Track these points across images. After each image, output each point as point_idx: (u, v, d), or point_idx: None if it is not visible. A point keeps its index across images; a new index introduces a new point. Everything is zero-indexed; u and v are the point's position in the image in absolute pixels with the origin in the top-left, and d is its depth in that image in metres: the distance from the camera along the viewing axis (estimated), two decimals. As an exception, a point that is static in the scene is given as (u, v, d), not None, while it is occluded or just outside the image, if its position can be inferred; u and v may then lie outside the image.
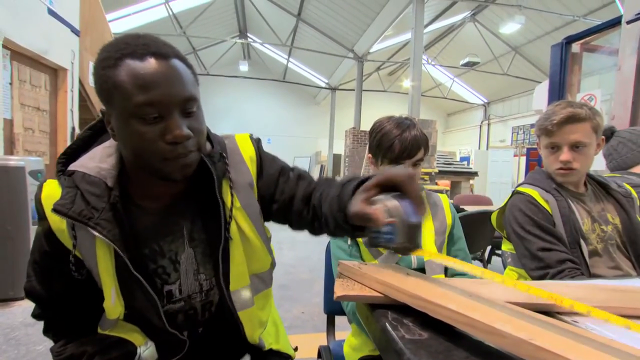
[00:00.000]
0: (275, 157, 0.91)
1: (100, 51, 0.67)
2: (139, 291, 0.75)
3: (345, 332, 1.30)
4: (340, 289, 0.49)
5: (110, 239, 0.69)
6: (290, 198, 0.84)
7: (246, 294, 0.85)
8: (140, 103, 0.62)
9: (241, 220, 0.82)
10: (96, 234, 0.68)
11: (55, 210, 0.67)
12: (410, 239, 0.51)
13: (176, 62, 0.67)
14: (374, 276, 0.48)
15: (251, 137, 0.89)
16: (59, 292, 0.77)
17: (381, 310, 0.44)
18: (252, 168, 0.85)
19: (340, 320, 1.41)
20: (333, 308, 1.37)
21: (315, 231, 0.82)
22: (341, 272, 0.55)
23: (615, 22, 3.11)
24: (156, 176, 0.70)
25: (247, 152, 0.86)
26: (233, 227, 0.80)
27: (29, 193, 2.84)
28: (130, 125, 0.64)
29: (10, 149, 3.47)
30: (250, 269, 0.86)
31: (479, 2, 10.16)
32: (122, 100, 0.63)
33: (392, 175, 0.57)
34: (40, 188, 0.74)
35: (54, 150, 4.19)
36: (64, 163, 0.77)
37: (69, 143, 4.34)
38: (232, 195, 0.80)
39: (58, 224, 0.71)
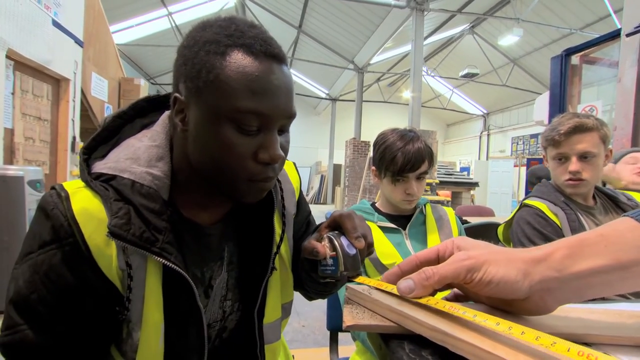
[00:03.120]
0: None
1: (201, 26, 0.56)
2: (193, 328, 0.60)
3: (348, 346, 1.28)
4: (349, 317, 0.45)
5: (180, 266, 0.55)
6: (299, 246, 0.79)
7: (277, 327, 0.75)
8: (246, 109, 0.52)
9: (284, 252, 0.74)
10: (163, 261, 0.54)
11: (113, 234, 0.52)
12: (349, 267, 0.60)
13: (287, 70, 0.58)
14: (387, 303, 0.45)
15: (295, 165, 0.83)
16: (72, 343, 0.56)
17: (397, 341, 0.41)
18: (296, 200, 0.79)
19: (343, 334, 1.39)
20: (336, 324, 1.34)
21: (295, 286, 0.81)
22: (349, 297, 0.52)
23: (615, 35, 3.15)
24: (225, 193, 0.60)
25: (295, 183, 0.80)
26: (276, 258, 0.71)
27: (27, 203, 2.82)
28: (221, 129, 0.53)
29: (10, 158, 3.46)
30: (282, 299, 0.76)
31: (477, 15, 10.27)
32: (222, 99, 0.52)
33: (335, 216, 0.65)
34: (65, 198, 0.54)
35: (54, 160, 4.18)
36: (87, 161, 0.60)
37: (69, 153, 4.33)
38: (284, 224, 0.72)
39: (102, 247, 0.54)
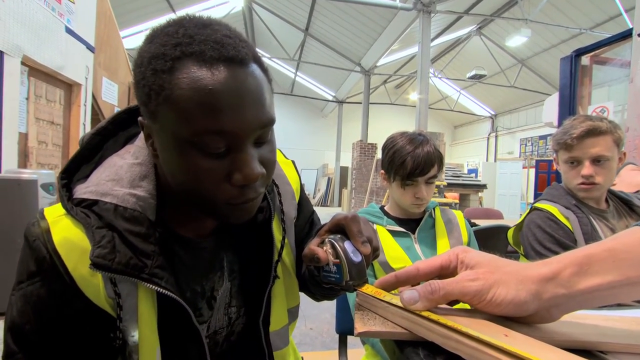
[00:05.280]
0: (305, 193, 0.82)
1: (149, 38, 0.49)
2: (192, 347, 0.57)
3: (357, 350, 1.26)
4: (361, 324, 0.45)
5: (172, 291, 0.52)
6: (303, 247, 0.75)
7: (284, 333, 0.72)
8: (205, 131, 0.45)
9: (286, 257, 0.70)
10: (154, 287, 0.51)
11: (96, 265, 0.48)
12: (355, 276, 0.55)
13: (254, 70, 0.48)
14: (398, 310, 0.44)
15: (294, 164, 0.79)
16: None
17: (411, 347, 0.42)
18: (296, 202, 0.75)
19: (351, 337, 1.38)
20: (345, 328, 1.32)
21: (300, 287, 0.79)
22: (360, 303, 0.51)
23: (626, 35, 3.08)
24: (208, 216, 0.57)
25: (294, 184, 0.75)
26: (278, 265, 0.68)
27: (40, 206, 2.86)
28: (184, 154, 0.47)
29: (24, 162, 3.51)
30: (287, 304, 0.73)
31: (484, 16, 10.20)
32: (178, 122, 0.45)
33: (339, 219, 0.60)
34: (46, 230, 0.51)
35: (66, 163, 4.24)
36: (68, 185, 0.56)
37: (80, 157, 4.49)
38: (284, 231, 0.68)
39: (88, 277, 0.51)
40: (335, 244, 0.57)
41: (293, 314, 0.76)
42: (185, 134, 0.46)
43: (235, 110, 0.46)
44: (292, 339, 0.86)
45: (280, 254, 0.67)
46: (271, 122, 0.50)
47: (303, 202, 0.79)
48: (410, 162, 1.14)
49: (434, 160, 1.15)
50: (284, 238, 0.68)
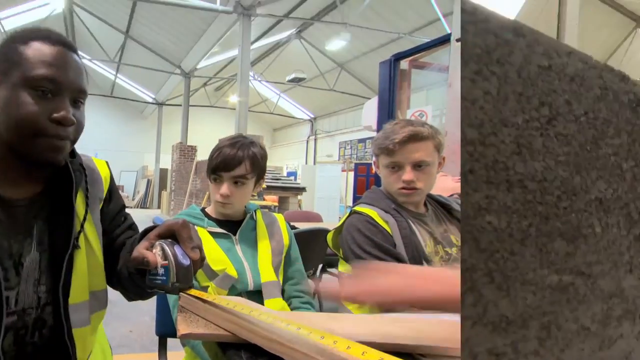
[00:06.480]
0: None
1: (13, 31, 0.74)
2: None
3: (177, 352, 1.29)
4: (184, 326, 0.43)
5: None
6: (115, 239, 0.85)
7: (84, 310, 0.77)
8: (40, 76, 0.66)
9: (90, 233, 0.78)
10: None
11: None
12: (182, 279, 0.59)
13: (77, 58, 0.73)
14: (221, 313, 0.43)
15: (107, 164, 0.91)
16: None
17: (234, 350, 0.39)
18: (105, 188, 0.86)
19: (171, 339, 1.37)
20: (165, 330, 1.32)
21: (113, 283, 0.85)
22: (183, 305, 0.48)
23: (444, 40, 3.22)
24: (26, 156, 0.69)
25: (103, 172, 0.87)
26: (81, 237, 0.76)
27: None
28: (21, 95, 0.66)
29: None
30: (90, 285, 0.79)
31: (304, 19, 10.51)
32: (22, 71, 0.66)
33: (170, 224, 0.67)
34: None
35: None
36: None
37: None
38: (87, 205, 0.78)
39: None
40: (165, 247, 0.61)
41: (98, 298, 0.80)
42: (25, 78, 0.65)
43: (64, 69, 0.68)
44: (105, 334, 0.93)
45: (82, 226, 0.75)
46: (86, 93, 0.73)
47: (114, 193, 0.89)
48: (219, 157, 1.18)
49: (243, 160, 1.17)
50: (86, 212, 0.77)
